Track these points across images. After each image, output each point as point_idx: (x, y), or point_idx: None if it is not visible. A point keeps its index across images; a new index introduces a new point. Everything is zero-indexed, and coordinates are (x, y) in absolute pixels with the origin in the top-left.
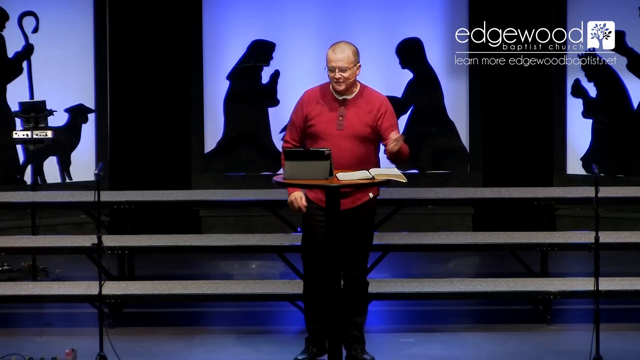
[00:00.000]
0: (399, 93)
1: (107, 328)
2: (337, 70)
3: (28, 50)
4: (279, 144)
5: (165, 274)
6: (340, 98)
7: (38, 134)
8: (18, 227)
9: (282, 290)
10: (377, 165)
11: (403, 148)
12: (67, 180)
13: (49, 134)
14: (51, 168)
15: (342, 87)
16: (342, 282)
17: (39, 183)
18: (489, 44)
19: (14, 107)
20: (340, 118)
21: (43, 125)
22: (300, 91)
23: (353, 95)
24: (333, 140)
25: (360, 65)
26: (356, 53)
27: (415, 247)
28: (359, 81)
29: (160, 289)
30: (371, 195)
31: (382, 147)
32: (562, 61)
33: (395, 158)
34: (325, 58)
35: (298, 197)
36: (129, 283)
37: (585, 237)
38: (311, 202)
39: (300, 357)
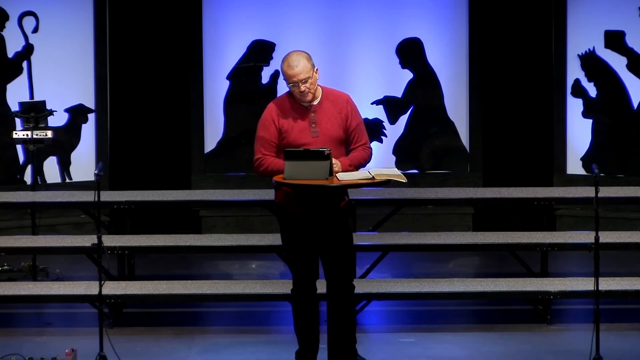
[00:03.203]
0: (399, 93)
1: (107, 328)
2: (300, 84)
3: (28, 50)
4: None
5: (165, 274)
6: (308, 105)
7: (38, 134)
8: (18, 227)
9: (282, 290)
10: None
11: (353, 161)
12: (67, 180)
13: (49, 134)
14: (51, 168)
15: (309, 97)
16: (329, 289)
17: (39, 183)
18: (489, 44)
19: (14, 107)
20: (313, 125)
21: (43, 125)
22: None
23: (318, 99)
24: (310, 148)
25: (317, 69)
26: (309, 59)
27: (415, 247)
28: (318, 84)
29: (160, 289)
30: (346, 198)
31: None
32: (562, 61)
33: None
34: (282, 74)
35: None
36: (129, 283)
37: (585, 237)
38: (287, 213)
39: None
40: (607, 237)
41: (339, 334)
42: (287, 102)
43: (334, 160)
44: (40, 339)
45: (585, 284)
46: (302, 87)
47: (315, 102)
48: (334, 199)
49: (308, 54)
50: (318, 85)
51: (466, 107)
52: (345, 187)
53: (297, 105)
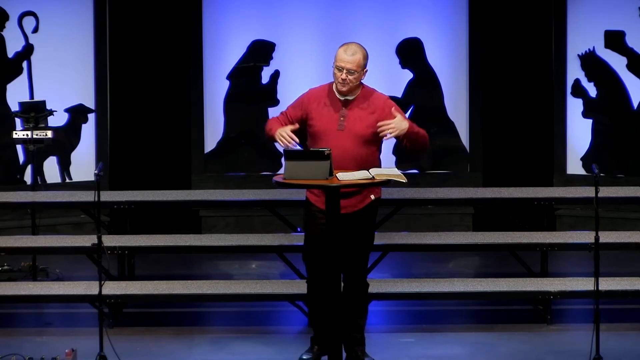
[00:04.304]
0: (399, 93)
1: (107, 328)
2: (344, 71)
3: (28, 50)
4: (279, 144)
5: (165, 274)
6: (343, 99)
7: (38, 134)
8: (18, 227)
9: (282, 290)
10: (379, 166)
11: (415, 128)
12: (67, 180)
13: (49, 134)
14: (51, 168)
15: (345, 88)
16: (343, 284)
17: (39, 183)
18: (489, 44)
19: (14, 107)
20: (342, 118)
21: (43, 125)
22: (300, 91)
23: (355, 96)
24: (333, 140)
25: (367, 70)
26: (366, 57)
27: (415, 247)
28: (362, 83)
29: (160, 289)
30: (373, 197)
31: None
32: (562, 61)
33: (413, 146)
34: (334, 55)
35: (283, 133)
36: (129, 283)
37: (585, 237)
38: (312, 205)
39: (305, 357)
40: (607, 237)
41: (350, 330)
42: (326, 91)
43: (399, 116)
44: (40, 339)
45: (585, 284)
46: (344, 75)
47: (351, 98)
48: (358, 197)
49: (367, 53)
50: (363, 84)
51: (466, 107)
52: (366, 186)
53: (334, 96)
